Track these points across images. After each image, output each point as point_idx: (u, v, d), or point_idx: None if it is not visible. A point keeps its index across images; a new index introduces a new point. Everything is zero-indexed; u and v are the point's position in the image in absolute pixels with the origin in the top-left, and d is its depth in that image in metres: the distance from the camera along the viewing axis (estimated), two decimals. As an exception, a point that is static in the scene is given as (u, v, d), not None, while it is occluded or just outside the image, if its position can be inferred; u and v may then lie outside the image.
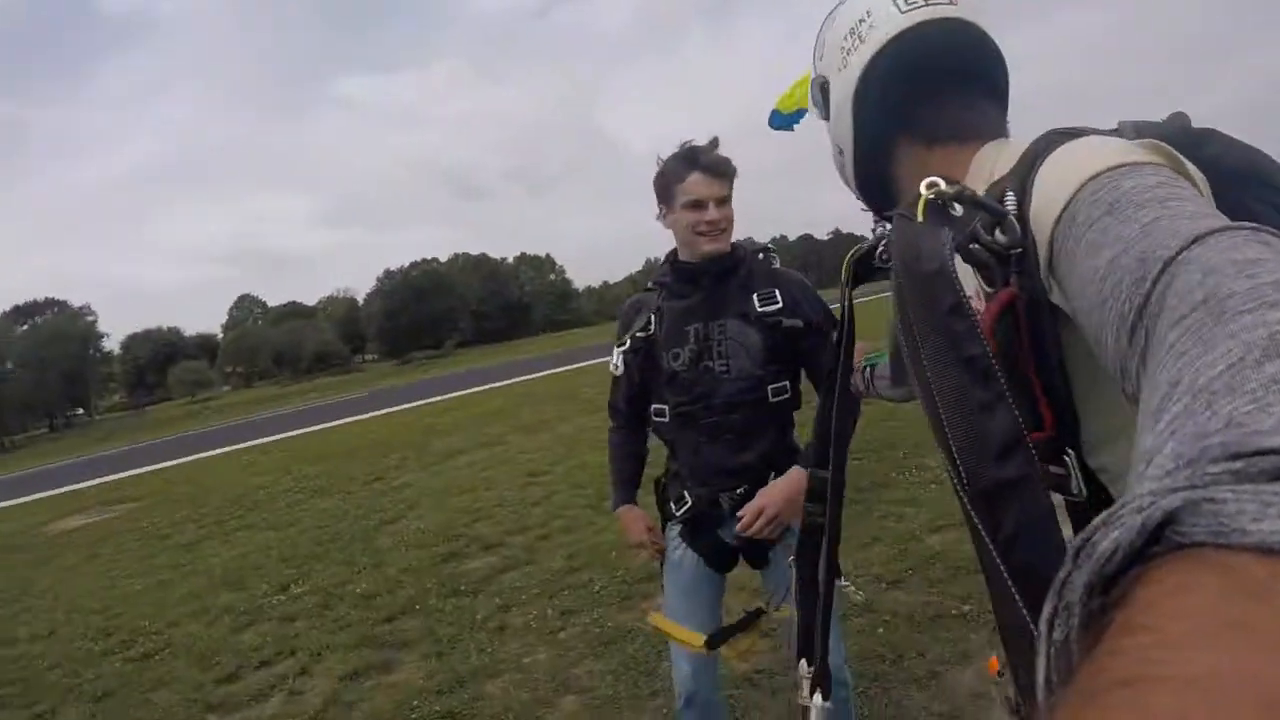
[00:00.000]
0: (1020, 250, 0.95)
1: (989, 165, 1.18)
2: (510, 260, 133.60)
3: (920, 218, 1.03)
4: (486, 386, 28.99)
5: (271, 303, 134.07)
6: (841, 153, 1.41)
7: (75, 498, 18.88)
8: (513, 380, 29.78)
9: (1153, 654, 0.28)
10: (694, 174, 2.72)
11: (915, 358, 1.00)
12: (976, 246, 0.97)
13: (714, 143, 2.80)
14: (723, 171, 2.73)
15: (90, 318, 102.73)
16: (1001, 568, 0.88)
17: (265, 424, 33.47)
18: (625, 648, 4.92)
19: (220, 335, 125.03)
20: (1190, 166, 0.89)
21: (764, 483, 2.78)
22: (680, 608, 2.92)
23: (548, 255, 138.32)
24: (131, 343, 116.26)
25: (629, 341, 2.90)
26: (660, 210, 2.84)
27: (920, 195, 1.05)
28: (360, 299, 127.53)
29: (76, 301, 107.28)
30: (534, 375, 29.88)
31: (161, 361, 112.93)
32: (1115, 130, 1.08)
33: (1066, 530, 0.89)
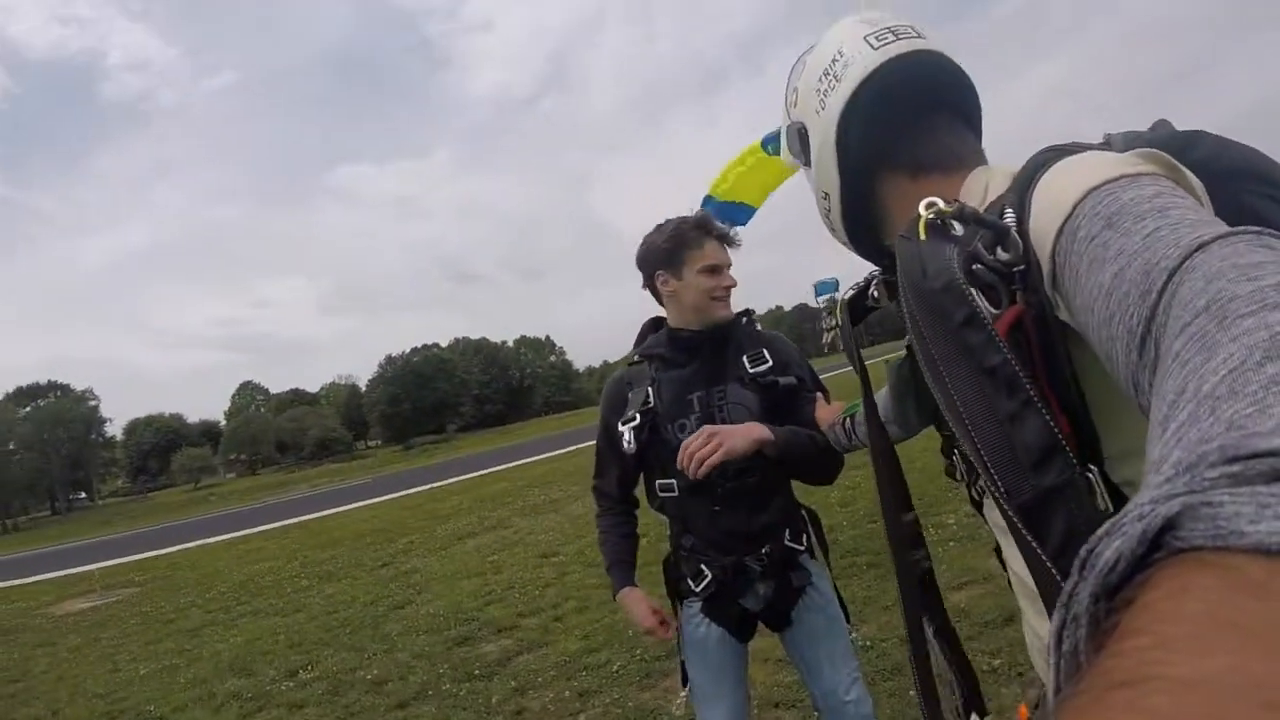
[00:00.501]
0: (1023, 267, 0.95)
1: (980, 188, 1.19)
2: (510, 343, 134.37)
3: (922, 237, 1.03)
4: (491, 470, 28.91)
5: (274, 389, 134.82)
6: (827, 197, 1.40)
7: (79, 580, 18.69)
8: (518, 462, 29.73)
9: (1151, 656, 0.28)
10: (711, 241, 2.78)
11: (936, 376, 1.00)
12: (979, 267, 0.97)
13: (709, 216, 2.90)
14: (730, 242, 2.83)
15: (92, 402, 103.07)
16: (1056, 577, 0.87)
17: (270, 510, 33.32)
18: (647, 728, 4.79)
19: (223, 422, 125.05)
20: (1187, 173, 0.89)
21: (783, 539, 2.77)
22: (709, 689, 2.85)
23: (547, 337, 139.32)
24: (134, 428, 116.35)
25: (637, 417, 2.82)
26: (658, 278, 2.84)
27: (920, 216, 1.05)
28: (362, 385, 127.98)
29: (79, 385, 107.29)
30: (539, 457, 29.86)
31: (164, 448, 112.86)
32: (1105, 143, 1.09)
33: None
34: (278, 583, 13.07)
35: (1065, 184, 0.91)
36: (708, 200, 5.81)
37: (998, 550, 1.49)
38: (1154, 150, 0.90)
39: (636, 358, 2.97)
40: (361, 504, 26.18)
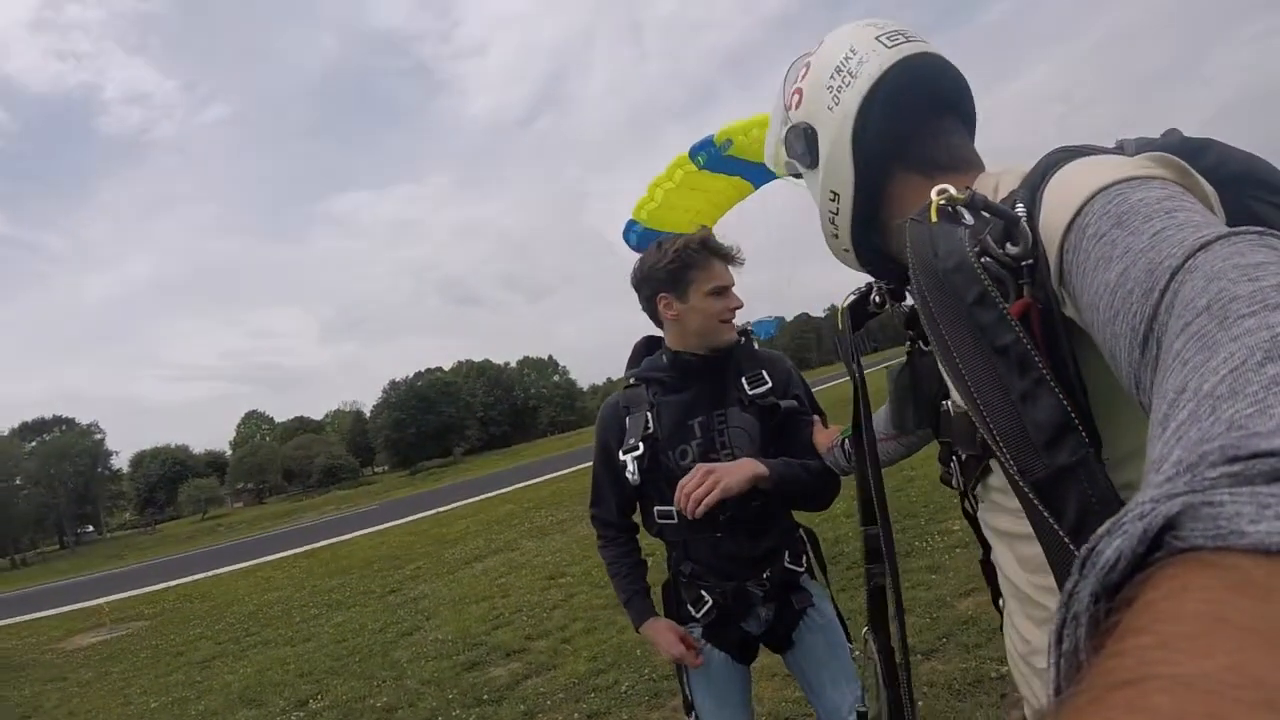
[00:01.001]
0: (1031, 261, 0.97)
1: (991, 186, 1.21)
2: (513, 364, 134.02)
3: (933, 220, 1.05)
4: (497, 492, 28.82)
5: (279, 418, 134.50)
6: (836, 197, 1.40)
7: (88, 614, 18.63)
8: (524, 484, 29.65)
9: (1152, 655, 0.28)
10: (717, 262, 2.71)
11: (947, 357, 1.01)
12: (988, 259, 0.99)
13: (709, 234, 2.81)
14: (733, 261, 2.75)
15: (98, 435, 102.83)
16: (1075, 554, 0.88)
17: (278, 539, 33.22)
18: (657, 748, 4.79)
19: (229, 452, 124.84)
20: (1198, 178, 0.90)
21: (781, 562, 2.75)
22: (715, 713, 2.82)
23: (550, 357, 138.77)
24: (140, 460, 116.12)
25: (640, 446, 2.74)
26: (661, 300, 2.77)
27: (931, 201, 1.07)
28: (367, 411, 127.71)
29: (84, 419, 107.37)
30: (545, 478, 29.75)
31: (171, 479, 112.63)
32: (1117, 148, 1.10)
33: None
34: (287, 612, 13.06)
35: (1076, 182, 0.93)
36: (631, 226, 5.42)
37: (983, 563, 1.52)
38: (1166, 155, 0.92)
39: (632, 380, 2.90)
40: (369, 530, 26.12)
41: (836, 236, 1.43)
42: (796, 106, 1.45)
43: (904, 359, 1.53)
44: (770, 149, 1.57)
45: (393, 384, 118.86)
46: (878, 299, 1.58)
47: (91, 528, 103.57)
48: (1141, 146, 1.07)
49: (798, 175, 1.54)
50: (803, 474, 2.60)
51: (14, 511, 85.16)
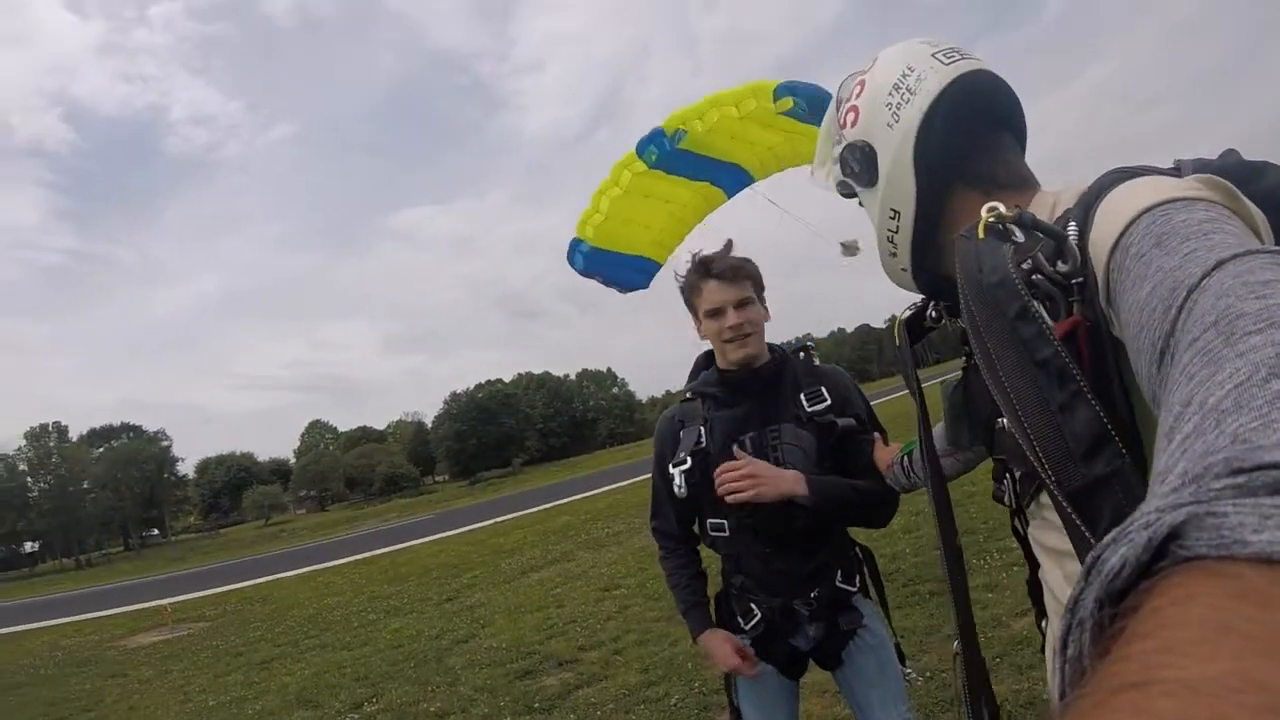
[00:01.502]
0: (1081, 280, 0.97)
1: (1050, 203, 1.21)
2: (572, 377, 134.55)
3: (981, 236, 1.06)
4: (555, 503, 28.94)
5: (342, 428, 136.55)
6: (896, 215, 1.39)
7: (151, 614, 19.08)
8: (582, 495, 29.73)
9: (1157, 659, 0.29)
10: (709, 283, 2.69)
11: (991, 370, 1.02)
12: (1039, 278, 0.99)
13: (728, 246, 2.77)
14: (737, 275, 2.68)
15: (165, 442, 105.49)
16: None
17: (339, 546, 33.65)
18: (705, 761, 4.77)
19: (293, 460, 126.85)
20: (1249, 203, 0.90)
21: (834, 581, 2.71)
22: None
23: (609, 369, 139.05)
24: (206, 467, 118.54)
25: (689, 461, 2.75)
26: (695, 324, 2.81)
27: (981, 218, 1.08)
28: (428, 422, 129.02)
29: (151, 426, 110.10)
30: (602, 489, 29.80)
31: (235, 485, 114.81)
32: (1174, 168, 1.09)
33: None
34: (346, 617, 13.22)
35: (1125, 203, 0.94)
36: (575, 246, 4.72)
37: (1029, 583, 1.53)
38: (1216, 178, 0.92)
39: (689, 394, 2.91)
40: (428, 539, 26.34)
41: (895, 255, 1.42)
42: (852, 125, 1.45)
43: (959, 375, 1.52)
44: (821, 168, 1.55)
45: (454, 395, 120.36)
46: (934, 314, 1.58)
47: (156, 531, 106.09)
48: (1198, 168, 1.06)
49: (850, 194, 1.54)
50: (851, 494, 2.58)
51: (81, 514, 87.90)
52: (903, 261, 1.42)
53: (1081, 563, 0.95)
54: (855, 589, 2.75)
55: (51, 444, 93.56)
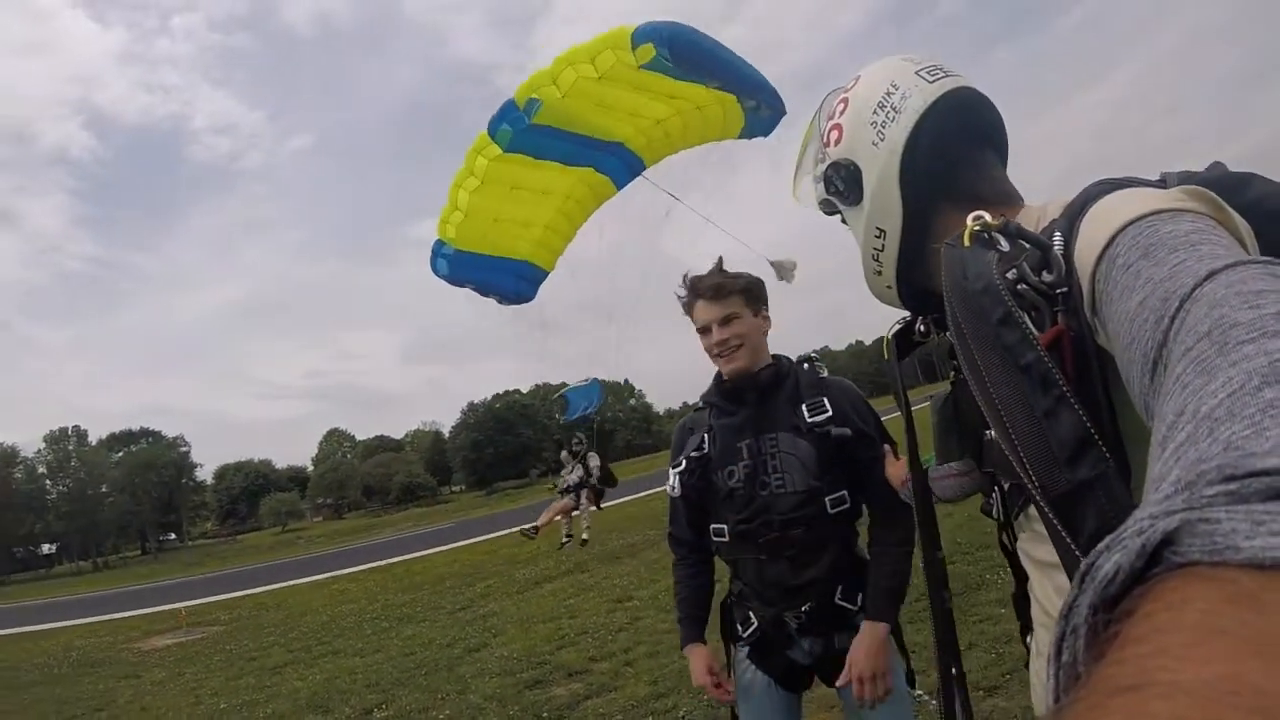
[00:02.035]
0: (1066, 289, 0.98)
1: (1035, 217, 1.22)
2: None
3: (966, 244, 1.07)
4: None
5: (360, 436, 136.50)
6: (881, 234, 1.39)
7: (166, 617, 19.19)
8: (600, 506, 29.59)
9: (1152, 663, 0.29)
10: (698, 302, 2.81)
11: (976, 375, 1.02)
12: (1024, 287, 0.99)
13: (718, 264, 2.86)
14: (719, 293, 2.78)
15: (184, 448, 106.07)
16: None
17: (354, 554, 33.75)
18: (712, 774, 4.74)
19: (310, 468, 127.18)
20: (1233, 213, 0.90)
21: (831, 598, 2.72)
22: None
23: (626, 380, 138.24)
24: (224, 473, 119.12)
25: (684, 462, 2.88)
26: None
27: (967, 226, 1.08)
28: (446, 431, 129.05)
29: (170, 432, 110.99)
30: (618, 501, 29.72)
31: (253, 492, 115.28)
32: (1160, 180, 1.10)
33: None
34: (359, 624, 13.26)
35: (1110, 214, 0.94)
36: (438, 250, 4.31)
37: (1015, 596, 1.55)
38: (1201, 189, 0.93)
39: (700, 404, 3.00)
40: (443, 548, 26.38)
41: (880, 274, 1.42)
42: (836, 143, 1.44)
43: (948, 389, 1.51)
44: (804, 186, 1.55)
45: (471, 405, 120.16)
46: (923, 328, 1.57)
47: (173, 535, 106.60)
48: (1183, 179, 1.08)
49: (833, 212, 1.54)
50: (898, 565, 2.67)
51: (99, 517, 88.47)
52: (888, 279, 1.42)
53: (1067, 570, 0.96)
54: (856, 608, 2.74)
55: (71, 447, 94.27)
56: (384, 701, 7.83)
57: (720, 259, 2.88)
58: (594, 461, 14.19)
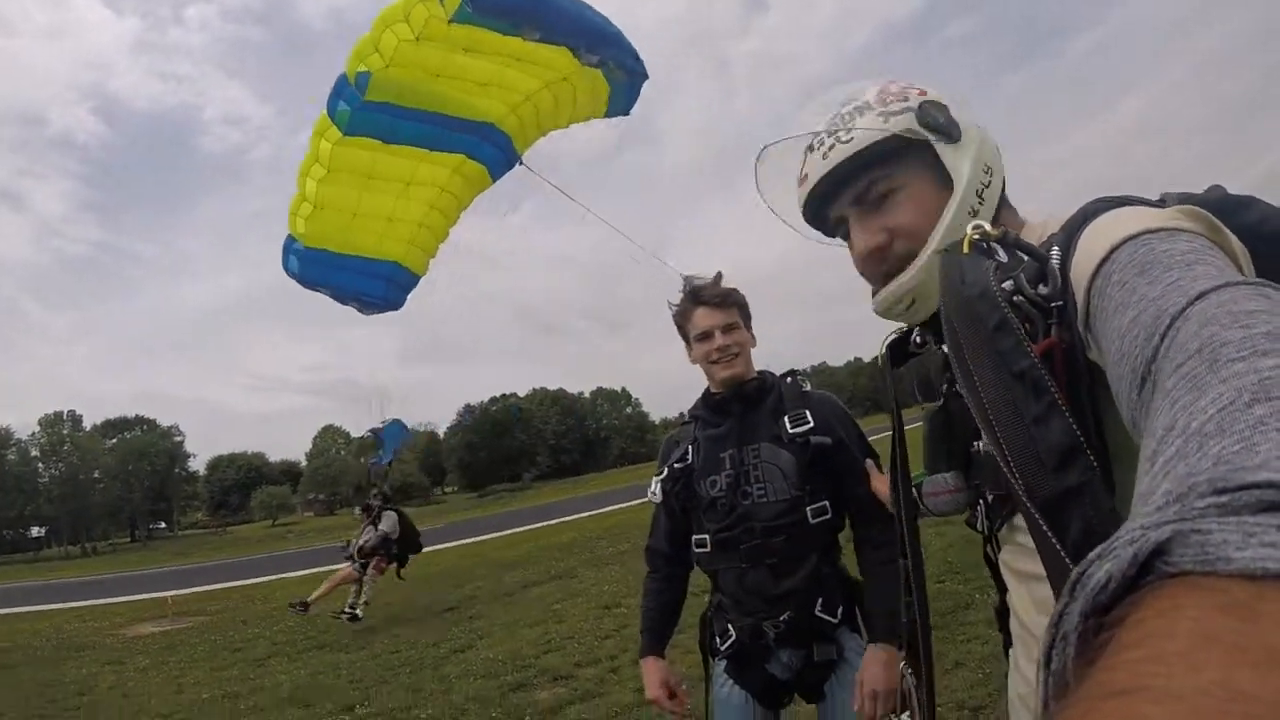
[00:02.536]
0: (1061, 303, 0.99)
1: (1036, 231, 1.24)
2: (587, 395, 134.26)
3: (965, 251, 1.08)
4: (562, 519, 28.95)
5: (354, 433, 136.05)
6: (990, 171, 1.36)
7: (153, 605, 19.12)
8: (589, 513, 29.71)
9: (1145, 668, 0.30)
10: (699, 309, 2.87)
11: (968, 381, 1.03)
12: (1020, 299, 1.00)
13: (717, 277, 2.93)
14: (724, 302, 2.86)
15: (177, 438, 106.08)
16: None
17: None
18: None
19: (303, 462, 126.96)
20: (1230, 235, 0.91)
21: (810, 609, 2.73)
22: None
23: (623, 389, 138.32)
24: (217, 464, 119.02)
25: (666, 471, 2.96)
26: (688, 352, 2.98)
27: (966, 235, 1.10)
28: (441, 432, 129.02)
29: (165, 421, 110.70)
30: (610, 508, 29.78)
31: (245, 484, 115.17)
32: (1160, 200, 1.10)
33: None
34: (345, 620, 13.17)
35: (1108, 230, 0.95)
36: (289, 246, 3.90)
37: (997, 610, 1.54)
38: (1198, 209, 0.94)
39: (687, 417, 3.08)
40: (433, 548, 26.29)
41: (976, 211, 1.33)
42: (921, 94, 1.39)
43: (940, 401, 1.51)
44: (871, 134, 1.37)
45: (468, 407, 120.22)
46: (918, 339, 1.56)
47: (163, 524, 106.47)
48: (1183, 200, 1.08)
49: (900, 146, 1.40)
50: (891, 579, 2.62)
51: (90, 503, 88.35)
52: (986, 216, 1.34)
53: (1051, 576, 0.97)
54: (836, 620, 2.77)
55: (65, 432, 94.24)
56: (366, 699, 7.81)
57: (720, 273, 2.95)
58: (387, 524, 12.59)
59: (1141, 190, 1.11)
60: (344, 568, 12.78)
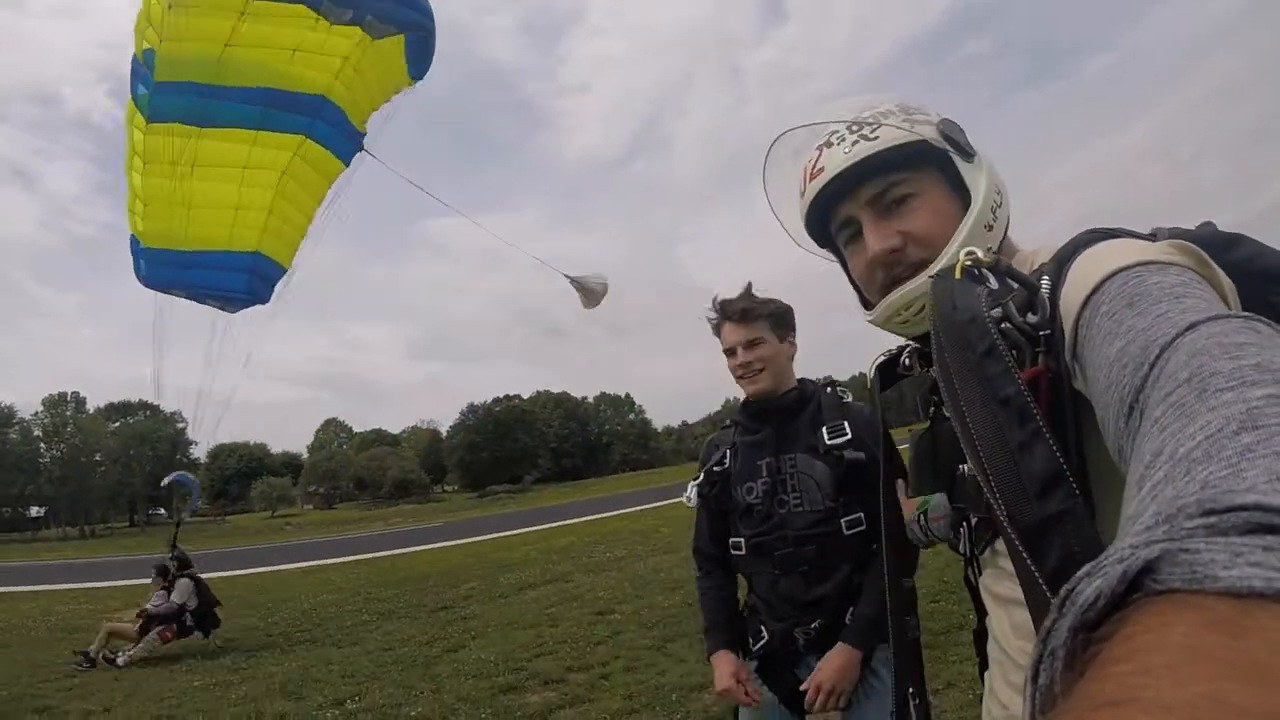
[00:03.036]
0: (1049, 332, 1.00)
1: (1027, 260, 1.26)
2: (590, 399, 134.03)
3: (957, 277, 1.09)
4: (560, 523, 28.95)
5: (357, 428, 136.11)
6: (1000, 195, 1.37)
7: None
8: (588, 518, 29.75)
9: (1135, 681, 0.30)
10: (725, 325, 2.92)
11: (955, 406, 1.03)
12: (1009, 326, 1.01)
13: (746, 289, 2.94)
14: (746, 317, 2.88)
15: (180, 424, 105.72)
16: (1050, 599, 0.90)
17: (342, 544, 33.65)
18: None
19: (305, 455, 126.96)
20: (1218, 270, 0.93)
21: (841, 616, 2.76)
22: None
23: (627, 395, 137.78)
24: (219, 453, 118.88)
25: (702, 475, 2.99)
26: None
27: (958, 261, 1.11)
28: (443, 431, 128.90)
29: (168, 407, 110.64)
30: (609, 514, 29.79)
31: (246, 474, 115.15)
32: (1151, 234, 1.11)
33: None
34: (340, 614, 13.28)
35: (1098, 262, 0.96)
36: (132, 246, 3.60)
37: (976, 634, 1.55)
38: (1187, 244, 0.95)
39: (729, 421, 3.12)
40: (431, 546, 26.36)
41: (990, 229, 1.34)
42: (934, 113, 1.41)
43: (927, 424, 1.51)
44: (898, 134, 1.37)
45: (471, 407, 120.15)
46: (907, 361, 1.56)
47: (162, 510, 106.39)
48: (1174, 234, 1.09)
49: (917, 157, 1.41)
50: (877, 598, 2.64)
51: (90, 484, 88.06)
52: (997, 235, 1.36)
53: (1030, 602, 0.98)
54: None
55: (68, 413, 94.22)
56: (357, 694, 7.81)
57: (749, 284, 2.96)
58: (181, 594, 11.15)
59: (1155, 216, 1.13)
60: (122, 624, 11.09)
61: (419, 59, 4.14)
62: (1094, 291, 0.92)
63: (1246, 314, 0.73)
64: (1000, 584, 1.34)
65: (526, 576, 15.32)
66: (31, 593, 20.84)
